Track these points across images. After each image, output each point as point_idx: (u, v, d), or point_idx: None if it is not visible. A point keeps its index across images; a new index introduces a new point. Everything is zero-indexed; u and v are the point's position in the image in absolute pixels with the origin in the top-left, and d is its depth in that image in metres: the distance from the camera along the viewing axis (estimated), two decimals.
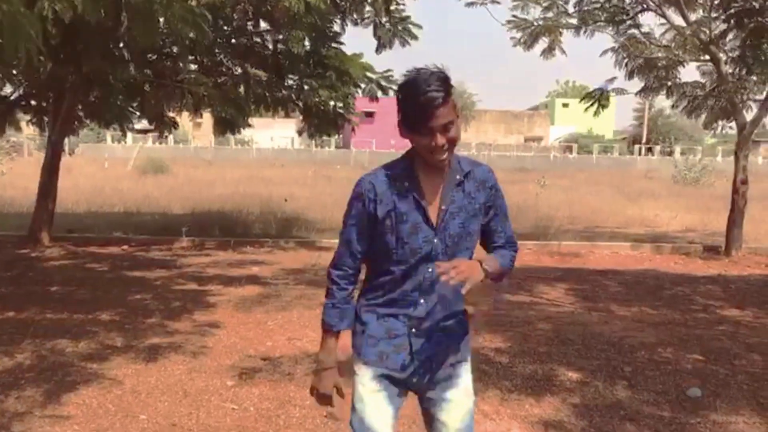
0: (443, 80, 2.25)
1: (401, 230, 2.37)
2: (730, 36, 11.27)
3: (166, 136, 23.89)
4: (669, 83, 12.76)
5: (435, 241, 2.38)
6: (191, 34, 8.22)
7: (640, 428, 4.27)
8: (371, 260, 2.49)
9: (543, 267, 10.26)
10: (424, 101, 2.21)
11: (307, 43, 10.78)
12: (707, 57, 11.95)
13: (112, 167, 32.50)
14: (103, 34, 6.44)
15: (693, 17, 11.85)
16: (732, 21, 10.77)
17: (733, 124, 12.67)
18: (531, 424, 4.34)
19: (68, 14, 4.49)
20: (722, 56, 11.74)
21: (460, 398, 2.51)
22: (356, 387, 2.47)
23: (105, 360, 5.50)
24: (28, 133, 39.56)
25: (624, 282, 9.15)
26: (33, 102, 11.97)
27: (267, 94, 11.58)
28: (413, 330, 2.43)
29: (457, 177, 2.42)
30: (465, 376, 2.54)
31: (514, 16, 12.60)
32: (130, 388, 4.93)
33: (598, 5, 12.32)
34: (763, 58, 10.78)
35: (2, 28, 4.08)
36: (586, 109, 13.10)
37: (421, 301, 2.41)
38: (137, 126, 16.00)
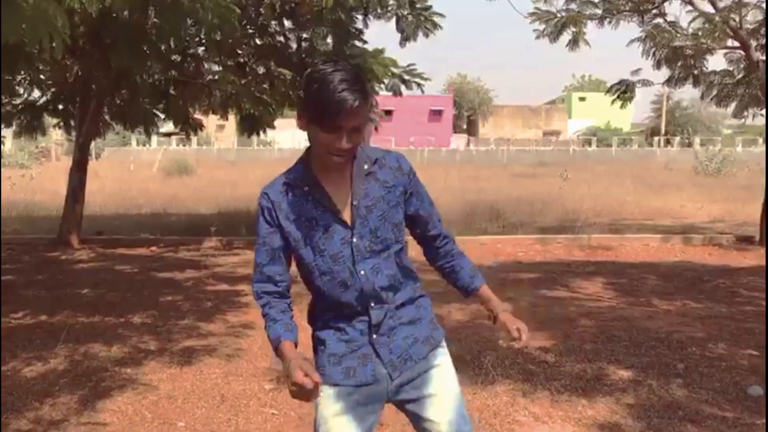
0: (362, 81, 2.07)
1: (314, 238, 2.18)
2: None
3: (190, 139, 23.89)
4: (696, 72, 12.50)
5: (354, 240, 2.18)
6: (218, 35, 8.15)
7: (703, 430, 4.06)
8: (305, 283, 2.31)
9: (576, 261, 10.03)
10: (339, 99, 2.00)
11: (329, 41, 10.67)
12: (737, 44, 11.69)
13: (138, 170, 32.60)
14: (130, 29, 6.32)
15: (721, 4, 11.61)
16: None
17: (764, 111, 12.40)
18: (586, 426, 4.14)
19: (95, 6, 4.34)
20: (753, 42, 11.47)
21: (443, 388, 2.28)
22: (319, 411, 2.24)
23: (139, 364, 5.38)
24: (56, 138, 39.99)
25: (661, 275, 8.92)
26: (60, 106, 11.93)
27: (291, 93, 11.47)
28: (374, 336, 2.21)
29: (365, 167, 2.22)
30: (443, 361, 2.32)
31: (536, 8, 12.42)
32: (165, 393, 4.81)
33: None
34: None
35: (26, 18, 3.93)
36: (613, 101, 12.90)
37: (372, 304, 2.21)
38: (162, 129, 15.99)
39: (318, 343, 2.30)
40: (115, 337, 6.08)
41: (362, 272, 2.18)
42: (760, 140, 56.30)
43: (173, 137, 50.34)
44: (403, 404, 2.30)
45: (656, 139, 61.49)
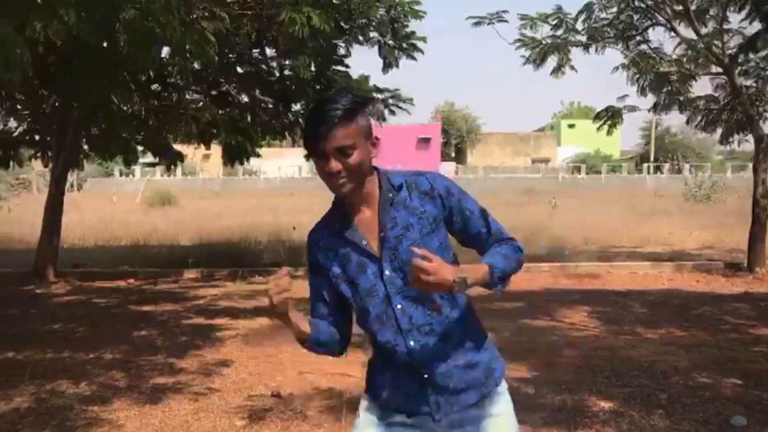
0: (352, 101, 2.01)
1: (349, 272, 2.12)
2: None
3: (174, 169, 23.65)
4: (681, 98, 12.48)
5: (387, 273, 2.07)
6: (195, 63, 8.03)
7: None
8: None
9: (562, 289, 9.89)
10: (319, 121, 1.97)
11: (312, 67, 10.60)
12: (719, 70, 11.70)
13: (120, 201, 32.30)
14: (101, 58, 6.21)
15: (704, 31, 11.63)
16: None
17: (750, 137, 12.36)
18: None
19: (60, 36, 4.23)
20: (736, 68, 11.47)
21: None
22: None
23: (106, 401, 5.19)
24: (38, 169, 39.66)
25: (647, 303, 8.79)
26: (37, 137, 11.75)
27: (274, 121, 11.36)
28: (425, 377, 2.10)
29: (389, 195, 2.10)
30: (503, 410, 2.17)
31: (522, 35, 12.39)
32: (132, 431, 4.63)
33: (607, 22, 12.13)
34: None
35: None
36: (599, 128, 12.87)
37: (411, 343, 2.08)
38: (145, 160, 15.79)
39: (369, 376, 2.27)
40: (84, 373, 5.89)
41: (399, 306, 2.09)
42: (750, 166, 56.55)
43: (157, 168, 50.01)
44: None
45: (646, 165, 61.65)
